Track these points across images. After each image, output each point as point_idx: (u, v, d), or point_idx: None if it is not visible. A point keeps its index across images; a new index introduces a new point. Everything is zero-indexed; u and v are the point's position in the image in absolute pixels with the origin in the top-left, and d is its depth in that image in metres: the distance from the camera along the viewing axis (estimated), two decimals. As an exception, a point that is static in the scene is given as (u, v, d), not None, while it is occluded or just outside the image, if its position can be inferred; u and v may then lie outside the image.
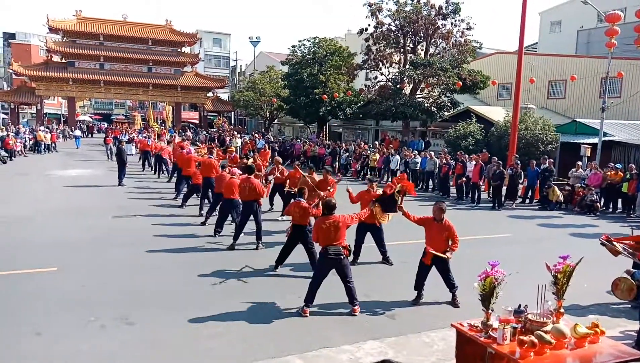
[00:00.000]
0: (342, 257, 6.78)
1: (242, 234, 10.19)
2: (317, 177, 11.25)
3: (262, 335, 6.17)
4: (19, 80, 47.83)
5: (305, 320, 6.65)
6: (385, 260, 9.32)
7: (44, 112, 49.26)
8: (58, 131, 40.70)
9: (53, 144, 32.19)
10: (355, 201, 9.16)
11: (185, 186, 15.03)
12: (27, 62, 49.67)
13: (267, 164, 16.08)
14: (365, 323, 6.64)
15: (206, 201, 13.26)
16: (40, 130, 32.76)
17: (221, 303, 7.05)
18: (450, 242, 7.15)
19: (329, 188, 10.56)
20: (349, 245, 7.01)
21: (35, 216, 12.51)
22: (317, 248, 7.34)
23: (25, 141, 30.48)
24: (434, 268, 7.31)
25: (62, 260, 8.84)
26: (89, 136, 51.57)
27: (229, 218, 11.11)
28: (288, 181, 12.16)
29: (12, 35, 65.91)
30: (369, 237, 9.16)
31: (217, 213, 11.44)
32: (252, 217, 10.02)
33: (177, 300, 7.22)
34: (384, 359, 1.22)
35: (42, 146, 30.72)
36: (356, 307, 6.90)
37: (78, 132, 39.08)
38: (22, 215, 12.47)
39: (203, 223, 11.98)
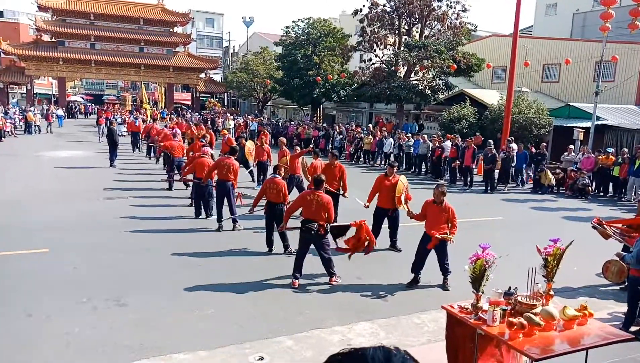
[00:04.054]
0: (313, 231, 6.87)
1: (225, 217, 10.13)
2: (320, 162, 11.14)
3: (254, 316, 6.19)
4: (7, 59, 46.96)
5: (297, 302, 6.68)
6: (393, 246, 9.13)
7: (34, 92, 48.54)
8: (49, 111, 40.21)
9: (48, 125, 31.69)
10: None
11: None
12: (15, 41, 48.69)
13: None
14: (356, 304, 6.68)
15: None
16: (30, 110, 32.30)
17: (213, 285, 7.07)
18: (450, 225, 7.14)
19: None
20: (327, 225, 7.04)
21: (26, 197, 12.40)
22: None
23: (15, 121, 30.07)
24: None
25: (54, 241, 8.79)
26: (86, 116, 50.84)
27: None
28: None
29: (0, 13, 64.56)
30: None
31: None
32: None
33: (169, 281, 7.21)
34: (381, 345, 1.18)
35: (33, 126, 30.34)
36: (333, 278, 7.06)
37: (60, 112, 38.60)
38: (13, 196, 12.36)
39: (191, 204, 11.90)
